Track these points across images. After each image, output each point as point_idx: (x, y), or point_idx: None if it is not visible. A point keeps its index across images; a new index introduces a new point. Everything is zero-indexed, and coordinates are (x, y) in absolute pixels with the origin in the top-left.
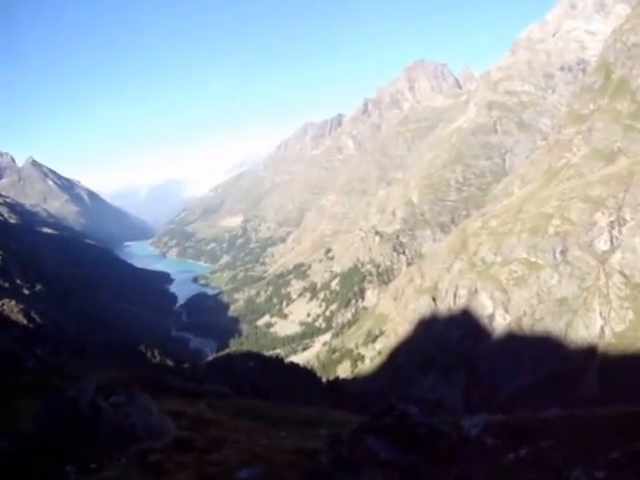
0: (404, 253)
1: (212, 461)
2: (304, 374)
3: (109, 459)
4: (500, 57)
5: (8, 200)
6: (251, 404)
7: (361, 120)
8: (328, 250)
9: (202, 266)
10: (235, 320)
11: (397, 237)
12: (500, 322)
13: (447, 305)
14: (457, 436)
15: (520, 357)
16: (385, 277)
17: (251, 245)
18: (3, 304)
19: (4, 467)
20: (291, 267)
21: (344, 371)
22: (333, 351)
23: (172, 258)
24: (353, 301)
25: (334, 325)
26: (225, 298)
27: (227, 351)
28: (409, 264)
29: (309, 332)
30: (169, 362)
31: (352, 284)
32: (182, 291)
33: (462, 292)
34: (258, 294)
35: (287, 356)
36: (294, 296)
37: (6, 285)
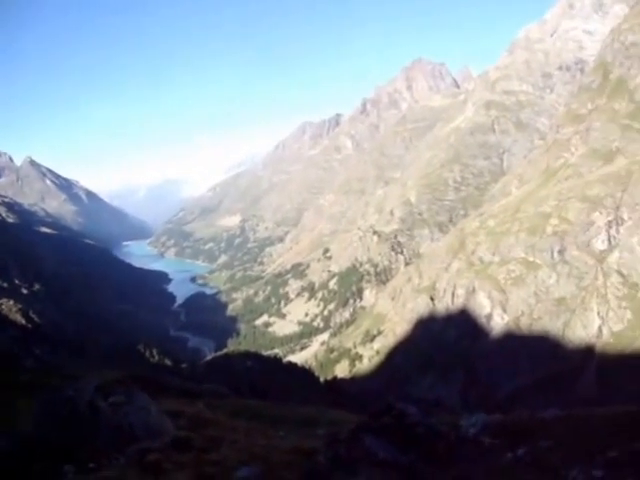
0: (402, 253)
1: (210, 461)
2: (302, 374)
3: (107, 459)
4: (498, 57)
5: (6, 200)
6: (249, 404)
7: (359, 120)
8: (326, 250)
9: (200, 266)
10: (233, 320)
11: (395, 237)
12: (498, 322)
13: (445, 305)
14: (455, 436)
15: (518, 357)
16: (383, 277)
17: (249, 245)
18: (1, 304)
19: (3, 466)
20: (289, 267)
21: (342, 371)
22: (331, 351)
23: (170, 258)
24: (351, 301)
25: (332, 325)
26: (223, 298)
27: (225, 351)
28: (407, 264)
29: (307, 332)
30: (167, 362)
31: (350, 284)
32: (180, 291)
33: (460, 292)
34: (256, 294)
35: (285, 356)
36: (292, 296)
37: (4, 285)
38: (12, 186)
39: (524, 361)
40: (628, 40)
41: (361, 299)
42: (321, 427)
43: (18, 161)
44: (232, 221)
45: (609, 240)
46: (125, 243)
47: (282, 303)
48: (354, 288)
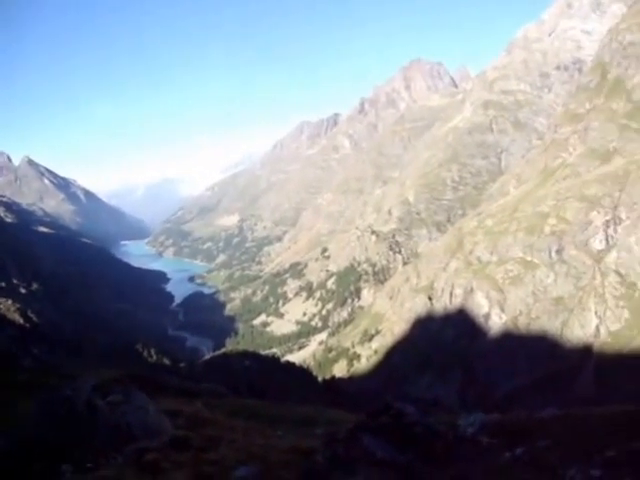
0: (400, 252)
1: (208, 460)
2: (300, 373)
3: (105, 458)
4: (496, 56)
5: (4, 199)
6: (247, 403)
7: (357, 119)
8: (324, 249)
9: (198, 265)
10: (231, 319)
11: (393, 236)
12: (496, 321)
13: (443, 304)
14: (453, 435)
15: (516, 356)
16: (381, 276)
17: (247, 244)
18: (0, 303)
19: (1, 466)
20: (287, 266)
21: (340, 370)
22: (329, 350)
23: (168, 257)
24: (349, 300)
25: (330, 324)
26: (221, 297)
27: (223, 350)
28: (405, 263)
29: (305, 331)
30: (166, 361)
31: (348, 283)
32: (178, 290)
33: (458, 291)
34: (254, 293)
35: (283, 355)
36: (290, 295)
37: (2, 284)
38: (10, 186)
39: (522, 360)
40: (626, 40)
41: (359, 299)
42: (319, 427)
43: (16, 161)
44: (230, 220)
45: (607, 240)
46: (123, 242)
47: (280, 303)
48: (352, 288)
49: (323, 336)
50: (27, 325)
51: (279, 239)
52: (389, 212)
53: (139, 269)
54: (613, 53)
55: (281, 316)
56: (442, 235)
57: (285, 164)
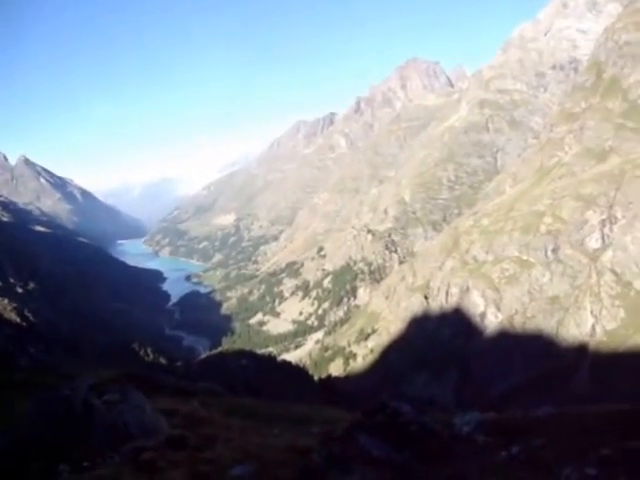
0: (396, 251)
1: (205, 459)
2: (296, 372)
3: (102, 457)
4: (492, 56)
5: (1, 198)
6: (244, 402)
7: (353, 119)
8: (320, 248)
9: (195, 264)
10: (228, 318)
11: (389, 235)
12: (492, 320)
13: (439, 303)
14: (449, 434)
15: (512, 355)
16: (377, 275)
17: (244, 243)
18: None
19: None
20: (283, 265)
21: (336, 369)
22: (325, 349)
23: (165, 256)
24: (345, 299)
25: (326, 323)
26: (218, 296)
27: (220, 349)
28: (401, 262)
29: (301, 330)
30: (162, 360)
31: (344, 282)
32: (175, 289)
33: (454, 290)
34: (251, 292)
35: (279, 354)
36: (286, 294)
37: None
38: (6, 185)
39: (518, 359)
40: (622, 39)
41: (355, 298)
42: (315, 425)
43: (12, 160)
44: (227, 220)
45: (603, 239)
46: (120, 242)
47: (276, 302)
48: (348, 287)
49: (319, 335)
50: (24, 324)
51: (275, 238)
52: (385, 211)
53: (136, 268)
54: (609, 52)
55: (277, 315)
56: (438, 234)
57: (281, 163)
